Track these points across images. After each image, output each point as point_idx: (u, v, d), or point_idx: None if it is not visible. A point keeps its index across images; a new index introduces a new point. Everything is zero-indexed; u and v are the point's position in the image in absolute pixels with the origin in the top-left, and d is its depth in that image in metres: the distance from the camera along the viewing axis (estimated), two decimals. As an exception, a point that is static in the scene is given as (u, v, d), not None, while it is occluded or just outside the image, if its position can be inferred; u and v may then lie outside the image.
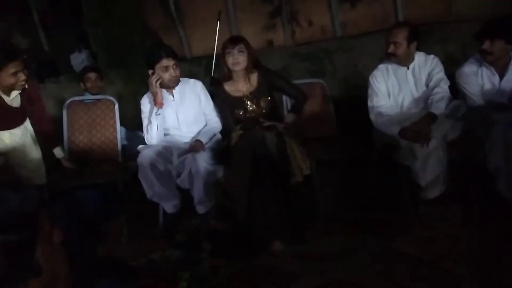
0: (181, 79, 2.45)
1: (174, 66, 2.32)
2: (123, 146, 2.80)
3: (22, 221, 0.72)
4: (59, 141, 2.60)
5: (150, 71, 2.33)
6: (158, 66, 2.29)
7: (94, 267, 1.14)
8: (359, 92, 3.43)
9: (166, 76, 2.31)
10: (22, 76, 2.16)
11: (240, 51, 2.30)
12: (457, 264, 1.75)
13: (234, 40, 2.35)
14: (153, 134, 2.35)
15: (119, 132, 2.78)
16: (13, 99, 2.29)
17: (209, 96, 2.51)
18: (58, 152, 2.54)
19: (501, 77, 2.23)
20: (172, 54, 2.32)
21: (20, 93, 2.30)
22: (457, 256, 1.81)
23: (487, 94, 2.23)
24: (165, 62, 2.29)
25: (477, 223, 2.05)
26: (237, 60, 2.30)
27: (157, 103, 2.30)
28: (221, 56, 2.36)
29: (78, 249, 0.99)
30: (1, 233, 0.70)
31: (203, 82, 2.61)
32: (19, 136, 2.41)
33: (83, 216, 1.54)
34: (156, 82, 2.28)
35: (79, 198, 1.66)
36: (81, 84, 3.16)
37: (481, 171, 2.14)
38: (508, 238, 1.86)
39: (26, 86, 2.29)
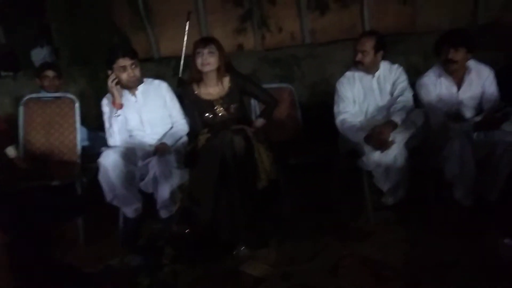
0: (145, 79, 2.39)
1: (133, 66, 2.25)
2: (84, 147, 2.69)
3: None
4: (11, 140, 2.46)
5: (109, 72, 2.26)
6: (115, 66, 2.23)
7: (45, 272, 1.08)
8: (326, 98, 3.49)
9: (124, 76, 2.25)
10: None
11: (210, 52, 2.25)
12: (416, 268, 1.79)
13: (205, 41, 2.30)
14: (114, 136, 2.28)
15: (79, 132, 2.66)
16: None
17: (175, 98, 2.45)
18: (10, 151, 2.40)
19: (459, 88, 2.33)
20: (129, 54, 2.25)
21: None
22: (417, 259, 1.86)
23: (445, 104, 2.32)
24: (122, 61, 2.22)
25: (435, 227, 2.12)
26: (207, 61, 2.25)
27: (115, 104, 2.24)
28: (192, 56, 2.31)
29: (24, 252, 0.91)
30: None
31: (171, 83, 2.55)
32: None
33: (32, 218, 1.46)
34: (112, 82, 2.22)
35: (29, 200, 1.57)
36: (38, 81, 3.00)
37: (439, 178, 2.22)
38: (465, 242, 1.94)
39: None
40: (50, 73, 2.97)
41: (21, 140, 2.60)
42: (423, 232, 2.09)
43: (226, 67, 2.33)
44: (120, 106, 2.25)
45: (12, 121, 2.73)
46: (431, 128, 2.26)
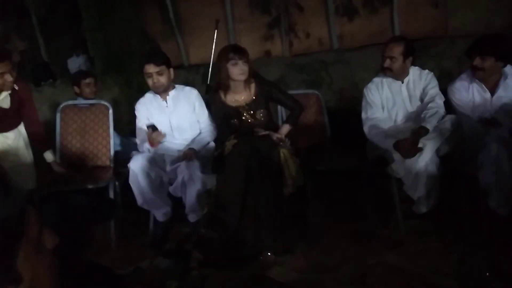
0: (176, 86, 2.46)
1: (158, 73, 2.30)
2: (116, 152, 2.77)
3: None
4: (49, 145, 2.58)
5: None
6: (144, 71, 2.31)
7: (80, 274, 1.12)
8: (354, 104, 3.45)
9: (149, 82, 2.32)
10: (9, 78, 2.16)
11: (245, 62, 2.29)
12: (447, 279, 1.73)
13: (241, 50, 2.32)
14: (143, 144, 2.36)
15: (112, 137, 2.76)
16: (2, 99, 2.28)
17: (204, 104, 2.50)
18: (48, 156, 2.52)
19: (492, 94, 2.24)
20: (154, 61, 2.29)
21: (11, 95, 2.29)
22: (448, 270, 1.79)
23: (479, 109, 2.24)
24: (147, 68, 2.29)
25: (468, 237, 2.04)
26: (243, 70, 2.29)
27: (152, 144, 2.28)
28: (222, 64, 2.32)
29: (64, 255, 0.95)
30: None
31: (200, 90, 2.61)
32: (12, 139, 2.40)
33: (71, 220, 1.52)
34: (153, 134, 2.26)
35: (68, 202, 1.64)
36: (75, 88, 3.14)
37: (473, 186, 2.13)
38: (499, 253, 1.85)
39: (16, 88, 2.29)
40: (87, 80, 3.10)
41: (57, 145, 2.72)
42: (455, 242, 2.02)
43: (252, 74, 2.36)
44: (157, 145, 2.29)
45: (49, 126, 2.86)
46: (464, 134, 2.18)
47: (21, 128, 2.48)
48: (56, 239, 0.77)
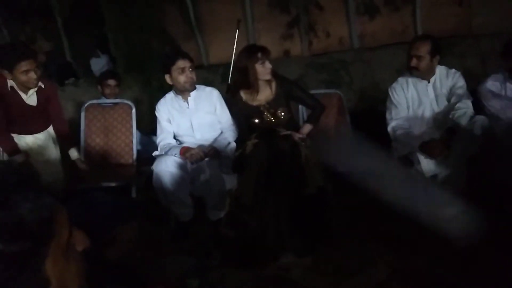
0: (197, 86, 2.46)
1: (190, 69, 2.32)
2: (138, 151, 2.81)
3: (27, 231, 0.65)
4: (74, 143, 2.64)
5: (167, 76, 2.34)
6: (174, 68, 2.30)
7: (103, 274, 1.12)
8: (375, 104, 3.39)
9: (182, 78, 2.31)
10: (33, 75, 2.22)
11: (269, 61, 2.30)
12: (476, 284, 1.68)
13: (266, 50, 2.33)
14: (163, 134, 2.39)
15: (135, 136, 2.80)
16: (30, 97, 2.34)
17: (225, 105, 2.50)
18: (73, 153, 2.57)
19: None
20: (188, 57, 2.33)
21: (38, 93, 2.36)
22: (475, 275, 1.74)
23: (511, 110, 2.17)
24: (181, 63, 2.29)
25: (496, 242, 1.97)
26: (269, 70, 2.30)
27: (188, 155, 2.23)
28: (250, 65, 2.30)
29: (89, 254, 0.94)
30: (2, 242, 0.64)
31: (219, 89, 2.61)
32: (42, 140, 2.48)
33: (96, 218, 1.54)
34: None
35: (91, 201, 1.66)
36: (99, 88, 3.20)
37: (502, 189, 2.06)
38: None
39: (43, 86, 2.35)
40: (111, 82, 3.16)
41: (82, 143, 2.78)
42: (482, 246, 1.96)
43: (272, 73, 2.36)
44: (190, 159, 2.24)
45: (73, 125, 2.93)
46: (495, 136, 2.12)
47: (50, 129, 2.54)
48: (87, 242, 0.76)
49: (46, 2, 6.05)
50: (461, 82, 2.26)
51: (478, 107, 2.26)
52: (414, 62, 2.25)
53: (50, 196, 0.71)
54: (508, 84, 2.20)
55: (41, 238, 0.65)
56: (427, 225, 2.17)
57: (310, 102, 2.49)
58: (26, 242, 0.64)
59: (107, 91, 3.13)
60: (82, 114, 2.82)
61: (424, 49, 2.22)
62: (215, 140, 2.41)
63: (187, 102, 2.43)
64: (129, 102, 2.87)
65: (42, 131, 2.48)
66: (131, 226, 2.39)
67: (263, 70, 2.29)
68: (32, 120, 2.41)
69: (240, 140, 2.41)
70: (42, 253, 0.65)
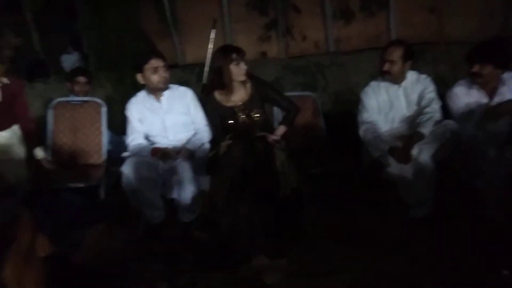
0: (170, 86, 2.43)
1: (164, 68, 2.30)
2: (108, 151, 2.73)
3: None
4: (40, 142, 2.54)
5: (139, 75, 2.30)
6: (147, 67, 2.27)
7: (70, 276, 1.08)
8: (350, 107, 3.44)
9: (155, 77, 2.28)
10: None
11: (244, 62, 2.29)
12: (443, 284, 1.72)
13: (241, 51, 2.32)
14: (133, 134, 2.35)
15: (105, 135, 2.72)
16: None
17: (199, 105, 2.47)
18: (38, 152, 2.48)
19: (491, 99, 2.25)
20: (161, 56, 2.32)
21: (2, 89, 2.26)
22: (442, 276, 1.78)
23: (476, 115, 2.24)
24: (154, 62, 2.27)
25: (464, 243, 2.03)
26: (244, 71, 2.29)
27: (158, 153, 2.23)
28: (225, 65, 2.27)
29: (54, 258, 0.89)
30: None
31: (195, 89, 2.58)
32: (6, 138, 2.37)
33: (62, 221, 1.47)
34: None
35: (59, 202, 1.59)
36: (68, 84, 3.09)
37: (470, 191, 2.13)
38: (494, 259, 1.84)
39: (8, 82, 2.25)
40: (82, 79, 3.05)
41: (49, 142, 2.68)
42: (451, 248, 2.01)
43: (247, 74, 2.34)
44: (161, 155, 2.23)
45: (42, 123, 2.82)
46: (461, 140, 2.18)
47: (16, 127, 2.44)
48: (51, 247, 0.73)
49: (16, -4, 5.83)
50: (430, 87, 2.32)
51: (447, 111, 2.32)
52: (386, 66, 2.29)
53: (12, 199, 0.68)
54: (473, 89, 2.27)
55: (2, 242, 0.62)
56: (399, 226, 2.22)
57: (285, 104, 2.50)
58: None
59: (77, 88, 3.02)
60: (50, 112, 2.72)
61: (396, 54, 2.26)
62: (189, 140, 2.38)
63: (160, 102, 2.39)
64: (99, 100, 2.78)
65: (6, 128, 2.37)
66: (99, 228, 2.32)
67: (237, 71, 2.27)
68: None
69: (214, 141, 2.39)
70: (2, 258, 0.62)
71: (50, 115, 2.72)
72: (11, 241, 0.65)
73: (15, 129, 2.44)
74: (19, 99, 2.39)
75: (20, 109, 2.42)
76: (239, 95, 2.37)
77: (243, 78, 2.30)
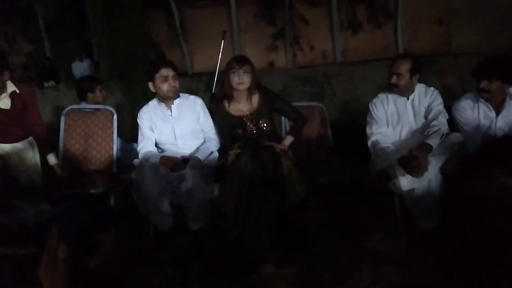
0: (181, 94, 2.46)
1: (174, 77, 2.34)
2: (118, 158, 2.77)
3: (31, 235, 0.66)
4: (52, 148, 2.58)
5: (150, 83, 2.35)
6: (157, 76, 2.32)
7: (85, 281, 1.10)
8: (357, 117, 3.46)
9: (165, 86, 2.32)
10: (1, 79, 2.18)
11: (245, 72, 2.31)
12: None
13: (241, 60, 2.35)
14: (145, 141, 2.39)
15: (116, 143, 2.75)
16: (1, 101, 2.28)
17: (208, 113, 2.50)
18: (51, 158, 2.51)
19: (498, 113, 2.26)
20: (171, 65, 2.35)
21: (12, 96, 2.30)
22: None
23: (483, 128, 2.25)
24: (164, 71, 2.31)
25: (471, 255, 2.03)
26: (242, 80, 2.31)
27: (167, 162, 2.22)
28: (225, 74, 2.36)
29: (71, 262, 0.93)
30: (9, 245, 0.64)
31: (203, 98, 2.62)
32: (21, 149, 2.42)
33: (75, 226, 1.50)
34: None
35: (71, 207, 1.62)
36: (90, 94, 3.03)
37: (476, 203, 2.12)
38: (503, 271, 1.84)
39: (17, 91, 2.30)
40: (99, 87, 3.07)
41: (60, 148, 2.71)
42: (457, 260, 2.00)
43: (255, 85, 2.38)
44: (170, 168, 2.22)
45: (52, 129, 2.86)
46: (467, 153, 2.19)
47: (31, 140, 2.50)
48: (67, 250, 0.76)
49: (28, 5, 5.96)
50: (438, 100, 2.33)
51: (453, 124, 2.33)
52: (394, 79, 2.31)
53: (47, 202, 0.71)
54: (480, 103, 2.28)
55: (38, 244, 0.66)
56: (402, 238, 2.22)
57: (293, 115, 2.52)
58: (31, 246, 0.65)
59: (97, 97, 3.04)
60: (62, 119, 2.76)
61: (404, 68, 2.28)
62: (198, 148, 2.41)
63: (170, 110, 2.43)
64: (111, 108, 2.82)
65: (21, 140, 2.43)
66: (110, 234, 2.34)
67: (235, 79, 2.31)
68: (8, 126, 2.35)
69: (222, 149, 2.42)
70: (38, 259, 0.66)
71: (62, 122, 2.76)
72: (45, 243, 0.69)
73: (31, 141, 2.51)
74: (30, 107, 2.43)
75: (32, 117, 2.46)
76: (247, 105, 2.40)
77: (241, 87, 2.32)
